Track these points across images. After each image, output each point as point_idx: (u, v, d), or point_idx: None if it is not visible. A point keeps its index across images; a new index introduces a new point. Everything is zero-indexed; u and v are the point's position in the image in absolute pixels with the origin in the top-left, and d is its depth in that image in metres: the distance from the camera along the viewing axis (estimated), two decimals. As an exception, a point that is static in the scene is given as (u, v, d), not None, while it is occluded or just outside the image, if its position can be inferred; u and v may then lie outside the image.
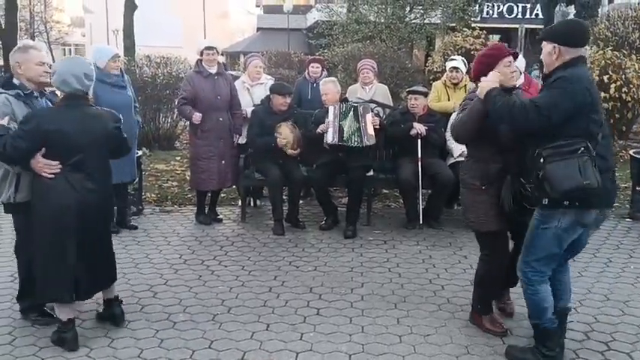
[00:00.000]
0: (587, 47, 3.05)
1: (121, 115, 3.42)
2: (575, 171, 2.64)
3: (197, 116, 5.22)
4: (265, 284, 4.09)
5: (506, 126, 2.95)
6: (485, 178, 3.15)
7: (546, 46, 2.88)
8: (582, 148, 2.67)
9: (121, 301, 3.51)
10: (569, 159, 2.67)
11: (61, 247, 3.08)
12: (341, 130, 5.16)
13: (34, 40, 42.29)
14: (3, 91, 3.19)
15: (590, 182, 2.63)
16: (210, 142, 5.32)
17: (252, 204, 6.19)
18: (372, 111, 5.41)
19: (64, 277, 3.10)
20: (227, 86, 5.41)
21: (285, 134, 5.25)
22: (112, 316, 3.41)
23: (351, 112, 5.18)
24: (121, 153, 3.46)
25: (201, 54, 5.34)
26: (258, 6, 42.00)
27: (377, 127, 5.23)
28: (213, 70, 5.33)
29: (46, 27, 45.22)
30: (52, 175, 3.05)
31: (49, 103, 3.37)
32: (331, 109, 5.23)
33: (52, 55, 44.56)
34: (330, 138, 5.18)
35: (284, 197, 5.61)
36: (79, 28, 51.09)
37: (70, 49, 50.72)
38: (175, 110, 8.09)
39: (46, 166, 3.04)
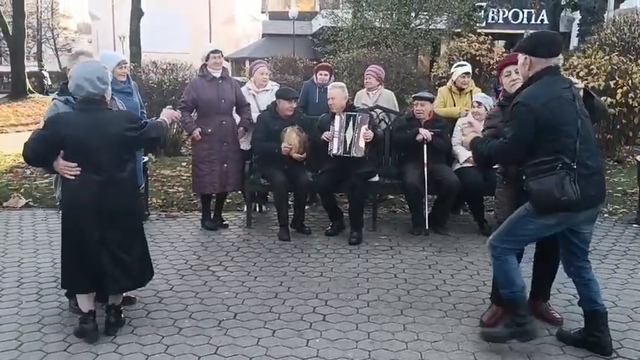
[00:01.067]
0: (560, 57, 3.16)
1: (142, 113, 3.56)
2: (553, 188, 2.84)
3: (196, 132, 5.25)
4: (271, 290, 4.08)
5: None
6: (506, 176, 3.45)
7: (519, 58, 3.08)
8: (560, 165, 2.85)
9: (121, 312, 3.49)
10: (548, 176, 2.87)
11: (78, 242, 3.24)
12: (345, 141, 5.15)
13: (41, 46, 42.75)
14: (56, 96, 3.54)
15: (568, 197, 2.82)
16: (212, 145, 5.32)
17: (257, 209, 6.19)
18: (373, 121, 5.35)
19: (81, 269, 3.25)
20: (232, 90, 5.41)
21: (292, 138, 5.25)
22: (106, 323, 3.40)
23: (351, 122, 5.17)
24: (151, 147, 3.57)
25: (207, 58, 5.35)
26: (263, 12, 42.20)
27: (368, 140, 5.16)
28: (218, 74, 5.34)
29: (53, 33, 45.63)
30: (73, 177, 3.20)
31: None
32: (337, 118, 5.21)
33: (58, 61, 45.03)
34: (335, 149, 5.17)
35: (289, 203, 5.62)
36: (86, 35, 51.50)
37: (76, 56, 50.94)
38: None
39: (66, 168, 3.21)
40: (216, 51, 5.35)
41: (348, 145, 5.15)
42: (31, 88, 25.08)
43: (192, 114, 5.43)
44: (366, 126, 5.16)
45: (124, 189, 3.29)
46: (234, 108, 5.47)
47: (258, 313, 3.70)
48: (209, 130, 5.27)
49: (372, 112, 5.66)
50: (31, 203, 6.49)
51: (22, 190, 6.94)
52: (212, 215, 5.61)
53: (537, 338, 3.26)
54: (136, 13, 21.00)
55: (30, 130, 14.00)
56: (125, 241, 3.34)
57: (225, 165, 5.37)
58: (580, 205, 2.89)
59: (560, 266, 3.39)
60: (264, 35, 36.82)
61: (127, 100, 4.94)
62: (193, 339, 3.34)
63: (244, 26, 53.81)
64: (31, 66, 31.14)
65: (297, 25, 29.61)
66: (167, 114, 3.73)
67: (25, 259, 4.69)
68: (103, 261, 3.25)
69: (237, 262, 4.68)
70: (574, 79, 3.25)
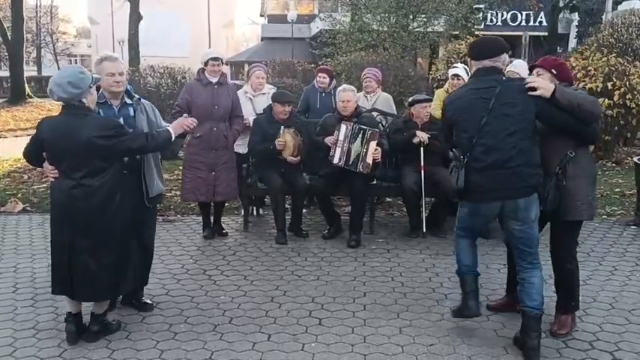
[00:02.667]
0: (500, 57, 3.27)
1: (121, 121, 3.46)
2: (450, 177, 3.33)
3: (185, 117, 5.02)
4: (267, 294, 4.07)
5: None
6: None
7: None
8: (456, 158, 3.26)
9: (103, 321, 3.43)
10: (452, 167, 3.31)
11: (52, 244, 3.36)
12: (349, 152, 5.10)
13: (40, 51, 42.80)
14: None
15: (457, 187, 3.21)
16: (199, 150, 5.17)
17: (254, 213, 6.18)
18: (381, 135, 5.30)
19: (58, 271, 3.33)
20: (228, 97, 5.27)
21: (287, 140, 5.24)
22: (88, 330, 3.39)
23: (360, 135, 5.07)
24: (132, 156, 3.47)
25: (206, 64, 5.26)
26: (262, 15, 42.24)
27: (377, 159, 5.10)
28: (214, 79, 5.25)
29: (52, 38, 45.69)
30: (53, 179, 3.31)
31: (130, 111, 3.59)
32: (343, 127, 5.16)
33: (57, 66, 45.07)
34: (336, 159, 5.14)
35: (287, 206, 5.60)
36: (85, 39, 51.61)
37: (76, 60, 51.08)
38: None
39: (47, 170, 3.33)
40: (215, 59, 5.21)
41: (352, 159, 5.09)
42: (30, 93, 25.06)
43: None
44: (376, 142, 5.04)
45: (95, 196, 3.19)
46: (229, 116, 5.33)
47: (254, 317, 3.69)
48: (198, 135, 5.06)
49: (378, 127, 5.56)
50: (29, 208, 6.48)
51: (19, 195, 6.93)
52: (212, 222, 5.53)
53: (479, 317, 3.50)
54: (135, 17, 21.04)
55: (28, 135, 14.00)
56: (95, 249, 3.23)
57: (213, 173, 5.17)
58: (474, 197, 3.20)
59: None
60: (263, 38, 36.85)
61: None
62: (188, 344, 3.32)
63: (243, 30, 53.95)
64: (30, 70, 31.11)
65: (296, 28, 29.62)
66: (176, 124, 3.65)
67: (21, 264, 4.69)
68: (70, 266, 3.24)
69: (233, 266, 4.67)
70: (530, 78, 3.31)
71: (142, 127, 3.56)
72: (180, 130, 3.62)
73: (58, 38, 46.46)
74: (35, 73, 32.88)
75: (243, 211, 5.87)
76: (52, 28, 45.70)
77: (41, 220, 6.00)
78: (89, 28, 50.04)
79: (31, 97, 24.71)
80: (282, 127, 5.27)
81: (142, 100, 3.75)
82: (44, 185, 7.55)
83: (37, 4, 43.02)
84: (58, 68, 44.64)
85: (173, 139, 3.54)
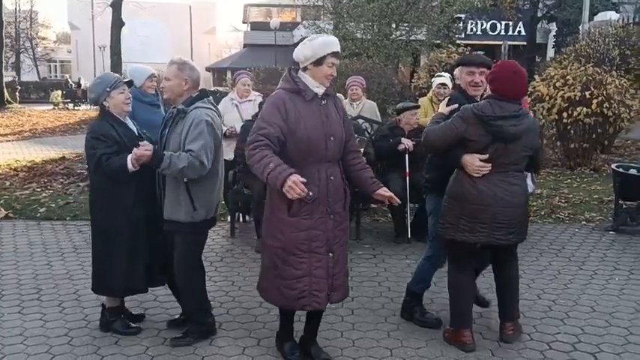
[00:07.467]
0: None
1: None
2: None
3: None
4: (255, 299, 4.06)
5: None
6: None
7: (487, 73, 3.40)
8: None
9: (104, 312, 3.61)
10: None
11: None
12: None
13: (19, 56, 42.26)
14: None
15: None
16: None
17: (240, 219, 6.20)
18: (368, 143, 5.34)
19: None
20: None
21: None
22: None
23: None
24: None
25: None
26: (245, 22, 42.29)
27: None
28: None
29: (31, 43, 45.14)
30: None
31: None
32: None
33: (37, 71, 44.56)
34: None
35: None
36: (65, 45, 51.05)
37: (55, 66, 50.59)
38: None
39: None
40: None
41: None
42: (9, 99, 24.73)
43: None
44: (362, 150, 5.12)
45: (90, 192, 3.54)
46: None
47: (244, 322, 3.71)
48: None
49: (364, 135, 5.61)
50: (11, 215, 6.41)
51: (1, 202, 6.85)
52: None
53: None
54: (117, 23, 20.95)
55: (8, 141, 13.83)
56: (92, 239, 3.53)
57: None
58: None
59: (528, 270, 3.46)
60: (245, 45, 36.91)
61: (154, 112, 4.87)
62: (178, 349, 3.33)
63: (225, 37, 53.81)
64: (8, 76, 30.61)
65: (279, 36, 29.74)
66: (133, 155, 3.20)
67: (6, 271, 4.64)
68: None
69: (220, 272, 4.68)
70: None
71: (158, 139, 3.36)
72: (135, 163, 3.20)
73: (38, 43, 45.90)
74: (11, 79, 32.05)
75: (229, 218, 5.88)
76: (31, 33, 45.18)
77: (25, 226, 5.96)
78: (69, 33, 49.57)
79: (10, 103, 24.39)
80: None
81: (196, 111, 3.21)
82: (27, 192, 7.49)
83: (16, 9, 42.53)
84: (38, 73, 44.18)
85: (130, 170, 3.21)
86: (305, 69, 2.97)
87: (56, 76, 46.93)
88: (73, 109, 25.53)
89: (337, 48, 2.94)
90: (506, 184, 3.17)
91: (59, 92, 27.53)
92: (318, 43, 2.91)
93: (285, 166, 2.80)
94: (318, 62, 2.90)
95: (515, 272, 3.49)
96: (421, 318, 3.69)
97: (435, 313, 3.77)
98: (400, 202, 3.26)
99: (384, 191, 3.12)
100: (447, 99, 3.55)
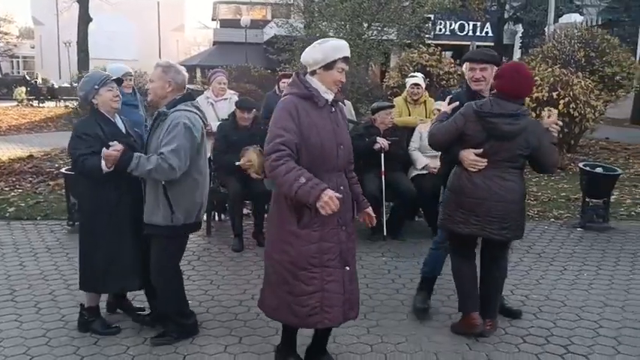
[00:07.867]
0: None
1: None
2: None
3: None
4: (235, 298, 4.10)
5: None
6: None
7: (492, 69, 3.56)
8: None
9: (81, 312, 3.59)
10: None
11: None
12: None
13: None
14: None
15: None
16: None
17: (216, 218, 6.18)
18: None
19: None
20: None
21: (252, 159, 5.17)
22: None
23: None
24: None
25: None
26: (214, 20, 41.92)
27: None
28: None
29: (-7, 38, 43.83)
30: None
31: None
32: None
33: (-1, 67, 43.32)
34: None
35: (249, 211, 5.62)
36: (29, 40, 49.76)
37: (18, 62, 49.28)
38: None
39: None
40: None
41: None
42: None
43: None
44: None
45: (77, 189, 3.66)
46: None
47: (224, 320, 3.72)
48: None
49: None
50: (-21, 214, 6.25)
51: (-32, 201, 6.68)
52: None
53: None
54: (84, 19, 20.54)
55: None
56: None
57: None
58: None
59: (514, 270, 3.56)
60: (215, 43, 36.57)
61: (132, 112, 4.76)
62: (159, 348, 3.32)
63: (194, 34, 53.29)
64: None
65: (250, 33, 29.60)
66: (102, 155, 3.20)
67: (-23, 272, 4.54)
68: None
69: (198, 271, 4.67)
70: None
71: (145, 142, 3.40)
72: (108, 164, 3.18)
73: (0, 38, 44.61)
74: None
75: (205, 216, 5.85)
76: (-8, 27, 43.90)
77: (-6, 226, 5.82)
78: (32, 28, 48.35)
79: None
80: (250, 147, 5.22)
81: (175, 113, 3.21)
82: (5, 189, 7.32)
83: (-24, 3, 41.27)
84: (0, 69, 42.94)
85: (104, 171, 3.18)
86: (313, 73, 2.84)
87: (19, 72, 45.70)
88: (38, 107, 24.92)
89: (348, 53, 2.82)
90: (501, 180, 3.30)
91: (23, 89, 26.84)
92: (329, 47, 2.79)
93: (317, 180, 2.68)
94: (329, 66, 2.79)
95: (503, 272, 3.60)
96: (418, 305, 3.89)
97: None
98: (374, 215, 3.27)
99: (371, 211, 3.17)
100: (448, 97, 3.64)
